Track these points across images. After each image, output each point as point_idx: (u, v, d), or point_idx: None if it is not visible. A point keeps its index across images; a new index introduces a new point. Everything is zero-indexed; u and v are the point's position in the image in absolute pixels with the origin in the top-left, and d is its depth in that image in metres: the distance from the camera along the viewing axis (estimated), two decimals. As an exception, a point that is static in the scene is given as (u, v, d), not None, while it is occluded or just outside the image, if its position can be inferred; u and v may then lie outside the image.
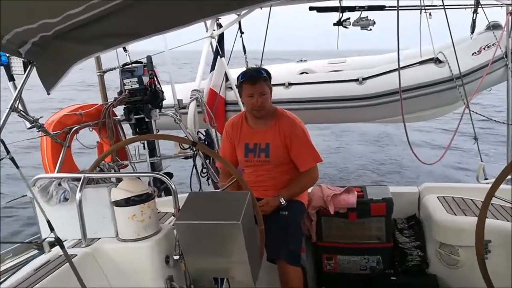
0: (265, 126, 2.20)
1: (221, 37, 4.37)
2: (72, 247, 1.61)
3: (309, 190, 2.41)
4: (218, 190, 2.07)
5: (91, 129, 3.18)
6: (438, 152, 6.28)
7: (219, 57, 4.27)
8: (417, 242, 2.38)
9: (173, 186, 1.49)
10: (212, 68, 4.48)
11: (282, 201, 2.09)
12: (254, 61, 4.87)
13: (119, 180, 3.21)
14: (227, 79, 4.45)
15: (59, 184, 1.62)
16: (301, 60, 7.34)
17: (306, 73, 5.62)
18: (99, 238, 1.65)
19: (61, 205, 1.63)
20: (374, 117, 4.13)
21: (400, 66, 3.82)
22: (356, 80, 3.99)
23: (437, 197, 2.42)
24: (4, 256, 2.00)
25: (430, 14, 4.26)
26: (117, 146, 1.79)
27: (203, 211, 1.44)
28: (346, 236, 2.39)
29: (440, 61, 4.01)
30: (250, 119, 2.23)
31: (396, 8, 3.35)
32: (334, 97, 4.04)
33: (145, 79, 3.15)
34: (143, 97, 3.11)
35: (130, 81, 3.15)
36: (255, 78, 2.08)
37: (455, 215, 2.16)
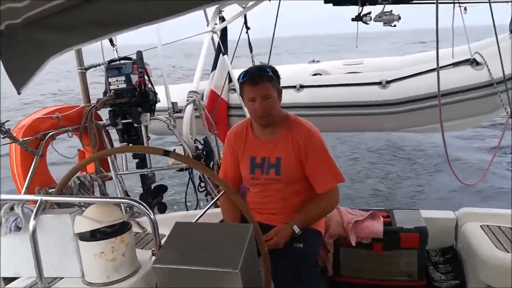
0: (274, 136, 1.96)
1: (224, 32, 4.15)
2: (25, 290, 1.36)
3: (326, 214, 2.16)
4: (218, 223, 1.79)
5: (70, 135, 2.95)
6: (467, 168, 5.98)
7: (221, 54, 4.04)
8: (455, 280, 2.13)
9: (152, 216, 1.24)
10: (214, 67, 4.26)
11: (296, 229, 1.82)
12: (261, 58, 4.63)
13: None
14: (230, 80, 4.21)
15: (11, 209, 1.37)
16: (314, 61, 7.14)
17: (320, 74, 5.38)
18: (62, 278, 1.41)
19: (14, 234, 1.38)
20: (400, 126, 3.84)
21: (430, 68, 3.58)
22: (379, 83, 3.71)
23: (480, 226, 2.16)
24: None
25: (465, 9, 4.00)
26: (77, 167, 1.54)
27: (191, 250, 1.18)
28: (369, 270, 2.16)
29: (478, 63, 3.72)
30: (257, 128, 2.00)
31: (426, 1, 3.10)
32: (353, 102, 3.77)
33: (134, 78, 2.91)
34: (130, 99, 2.87)
35: (117, 80, 2.91)
36: (257, 78, 1.83)
37: (508, 252, 1.88)
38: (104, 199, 1.30)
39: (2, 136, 2.23)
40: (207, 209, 1.35)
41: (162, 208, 3.63)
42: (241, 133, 2.07)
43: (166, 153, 1.58)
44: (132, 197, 4.05)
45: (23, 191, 2.47)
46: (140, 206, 1.23)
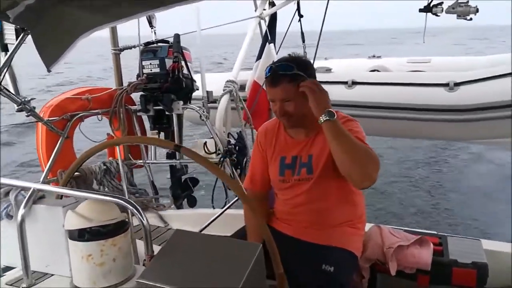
0: (310, 136, 1.78)
1: (272, 19, 3.97)
2: (11, 284, 1.30)
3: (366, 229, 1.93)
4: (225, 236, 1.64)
5: (100, 118, 2.95)
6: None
7: (267, 43, 3.87)
8: (518, 332, 1.81)
9: (144, 221, 1.10)
10: (259, 57, 4.10)
11: (324, 118, 1.52)
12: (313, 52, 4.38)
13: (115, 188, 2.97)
14: (275, 71, 4.01)
15: (6, 194, 1.32)
16: (374, 56, 6.74)
17: (378, 71, 5.03)
18: (53, 275, 1.34)
19: (7, 222, 1.33)
20: (467, 136, 3.43)
21: (508, 72, 3.16)
22: (445, 85, 3.32)
23: None
24: None
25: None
26: (83, 156, 1.45)
27: (185, 267, 1.04)
28: (411, 306, 1.89)
29: None
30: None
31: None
32: (413, 105, 3.41)
33: (169, 63, 2.84)
34: (162, 84, 2.80)
35: (150, 64, 2.86)
36: (276, 78, 1.65)
37: None
38: (93, 195, 1.19)
39: (26, 114, 2.24)
40: (215, 218, 1.20)
41: (192, 202, 3.57)
42: (272, 131, 1.91)
43: (177, 147, 1.46)
44: (163, 188, 4.06)
45: (44, 173, 2.49)
46: (129, 206, 1.10)
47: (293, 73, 1.63)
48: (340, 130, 1.50)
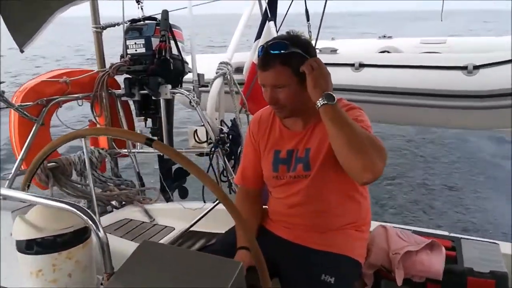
0: (308, 126, 1.62)
1: (272, -5, 3.77)
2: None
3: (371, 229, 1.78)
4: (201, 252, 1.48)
5: (81, 103, 2.80)
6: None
7: (267, 21, 3.67)
8: None
9: (100, 233, 0.96)
10: (258, 36, 3.91)
11: (321, 102, 1.36)
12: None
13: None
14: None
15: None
16: (384, 36, 6.51)
17: (388, 52, 4.82)
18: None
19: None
20: (489, 125, 3.24)
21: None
22: (464, 68, 3.12)
23: None
24: None
25: None
26: (46, 149, 1.32)
27: (150, 285, 0.90)
28: (419, 317, 1.76)
29: None
30: None
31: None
32: (426, 90, 3.21)
33: (155, 42, 2.67)
34: (148, 66, 2.64)
35: (135, 43, 2.70)
36: (267, 60, 1.47)
37: None
38: (36, 198, 1.04)
39: (-6, 99, 2.10)
40: (205, 214, 1.06)
41: (184, 193, 3.49)
42: (266, 120, 1.75)
43: (149, 141, 1.31)
44: (153, 179, 3.94)
45: (16, 164, 2.36)
46: (79, 212, 0.96)
47: (288, 52, 1.45)
48: (340, 116, 1.35)
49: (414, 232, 1.95)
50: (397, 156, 6.11)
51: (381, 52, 4.98)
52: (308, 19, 4.10)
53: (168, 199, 3.28)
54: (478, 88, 3.08)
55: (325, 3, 3.17)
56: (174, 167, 3.39)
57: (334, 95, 1.37)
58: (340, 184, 1.59)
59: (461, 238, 1.94)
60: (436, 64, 3.26)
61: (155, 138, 1.24)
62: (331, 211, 1.63)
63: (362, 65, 3.52)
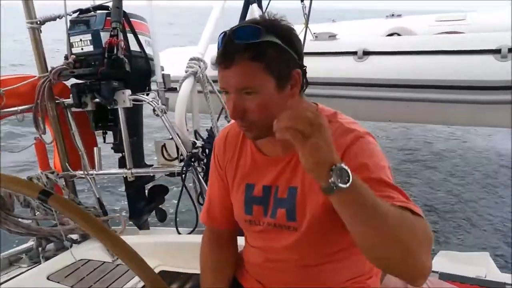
0: (290, 151, 1.23)
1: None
2: None
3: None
4: None
5: (21, 118, 2.44)
6: None
7: (250, 3, 3.30)
8: None
9: None
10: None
11: (332, 186, 0.85)
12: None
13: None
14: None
15: None
16: (393, 15, 6.09)
17: (398, 34, 4.41)
18: None
19: None
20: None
21: None
22: (496, 51, 2.69)
23: None
24: None
25: None
26: None
27: None
28: None
29: None
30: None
31: None
32: (449, 81, 2.79)
33: (106, 37, 2.31)
34: (98, 68, 2.27)
35: (81, 40, 2.33)
36: (229, 54, 1.10)
37: None
38: None
39: None
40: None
41: (162, 216, 3.16)
42: (234, 139, 1.38)
43: (43, 195, 0.96)
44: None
45: None
46: None
47: (261, 41, 1.08)
48: (364, 201, 0.89)
49: (442, 276, 1.59)
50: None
51: (389, 35, 4.57)
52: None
53: (142, 226, 2.95)
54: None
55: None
56: (148, 186, 3.06)
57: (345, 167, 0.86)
58: (341, 233, 1.20)
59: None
60: (460, 47, 2.83)
61: (52, 192, 0.88)
62: (327, 266, 1.27)
63: (366, 53, 3.12)
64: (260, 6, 3.28)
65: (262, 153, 1.31)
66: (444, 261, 1.81)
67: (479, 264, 1.77)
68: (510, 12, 4.14)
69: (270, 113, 1.14)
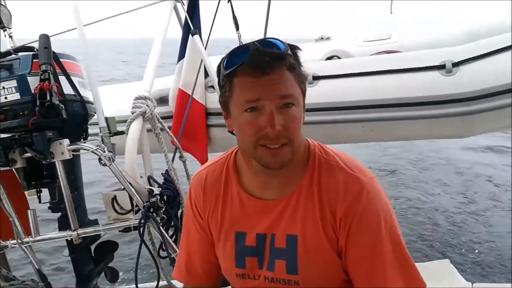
0: (287, 192, 1.14)
1: (192, 2, 3.23)
2: None
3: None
4: None
5: None
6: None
7: (190, 34, 3.12)
8: None
9: None
10: (182, 56, 3.34)
11: None
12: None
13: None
14: (206, 74, 3.28)
15: None
16: (322, 38, 6.22)
17: (338, 57, 4.46)
18: None
19: None
20: (474, 130, 2.91)
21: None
22: (440, 67, 2.76)
23: None
24: None
25: None
26: None
27: None
28: None
29: None
30: (249, 175, 1.19)
31: None
32: (404, 99, 2.80)
33: (33, 82, 2.00)
34: (28, 119, 1.95)
35: (3, 88, 2.01)
36: (267, 62, 1.00)
37: None
38: None
39: None
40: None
41: (113, 276, 2.83)
42: (216, 184, 1.23)
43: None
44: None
45: None
46: None
47: (292, 53, 1.05)
48: None
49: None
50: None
51: (328, 58, 4.62)
52: (237, 27, 3.60)
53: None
54: (463, 89, 2.75)
55: (269, 3, 2.68)
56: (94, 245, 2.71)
57: None
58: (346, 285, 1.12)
59: None
60: (406, 65, 2.89)
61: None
62: None
63: (316, 78, 3.06)
64: (200, 37, 3.11)
65: (253, 197, 1.17)
66: None
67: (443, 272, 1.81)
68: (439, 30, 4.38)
69: (299, 127, 1.06)
